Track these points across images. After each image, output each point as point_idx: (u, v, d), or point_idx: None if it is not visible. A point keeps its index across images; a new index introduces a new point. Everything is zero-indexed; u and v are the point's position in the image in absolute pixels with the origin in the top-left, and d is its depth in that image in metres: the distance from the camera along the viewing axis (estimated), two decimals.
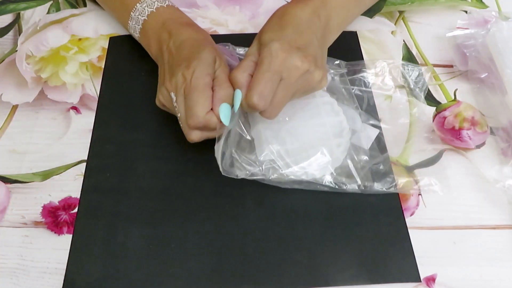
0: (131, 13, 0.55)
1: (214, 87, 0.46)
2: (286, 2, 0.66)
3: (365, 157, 0.50)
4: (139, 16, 0.54)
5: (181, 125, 0.47)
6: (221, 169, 0.47)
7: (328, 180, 0.48)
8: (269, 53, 0.43)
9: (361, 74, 0.56)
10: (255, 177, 0.47)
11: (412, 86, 0.56)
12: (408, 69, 0.57)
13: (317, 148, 0.48)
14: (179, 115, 0.47)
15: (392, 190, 0.49)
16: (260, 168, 0.47)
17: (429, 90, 0.58)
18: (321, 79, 0.46)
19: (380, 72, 0.57)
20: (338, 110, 0.51)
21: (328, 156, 0.48)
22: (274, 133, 0.49)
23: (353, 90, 0.55)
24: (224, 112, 0.45)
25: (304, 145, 0.49)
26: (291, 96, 0.45)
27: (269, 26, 0.48)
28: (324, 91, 0.53)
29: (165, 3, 0.55)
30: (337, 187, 0.48)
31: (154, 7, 0.54)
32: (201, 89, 0.45)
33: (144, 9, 0.54)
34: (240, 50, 0.56)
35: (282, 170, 0.47)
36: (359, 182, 0.48)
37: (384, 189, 0.49)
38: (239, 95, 0.44)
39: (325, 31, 0.51)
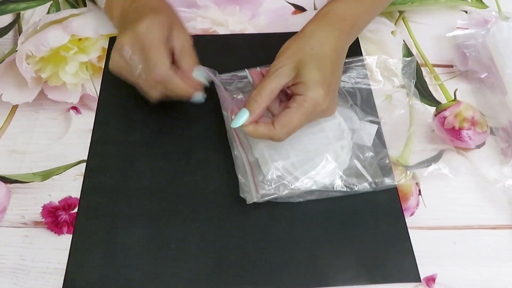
0: None
1: (179, 56, 0.47)
2: (286, 2, 0.67)
3: (371, 153, 0.50)
4: None
5: (139, 83, 0.48)
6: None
7: (338, 184, 0.48)
8: (314, 101, 0.44)
9: (350, 71, 0.56)
10: (266, 198, 0.47)
11: (401, 77, 0.56)
12: (396, 61, 0.57)
13: (322, 155, 0.48)
14: (137, 71, 0.47)
15: (402, 181, 0.49)
16: (270, 187, 0.47)
17: (429, 90, 0.59)
18: (334, 111, 0.48)
19: (369, 67, 0.57)
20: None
21: (334, 161, 0.48)
22: (276, 149, 0.48)
23: (343, 88, 0.54)
24: (200, 75, 0.47)
25: (308, 155, 0.48)
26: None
27: (308, 57, 0.45)
28: None
29: None
30: (348, 189, 0.48)
31: None
32: (157, 45, 0.45)
33: None
34: (223, 76, 0.55)
35: (292, 185, 0.47)
36: (370, 179, 0.48)
37: (395, 182, 0.49)
38: (245, 115, 0.44)
39: (346, 53, 0.51)
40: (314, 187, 0.47)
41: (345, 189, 0.48)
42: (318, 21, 0.49)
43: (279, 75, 0.45)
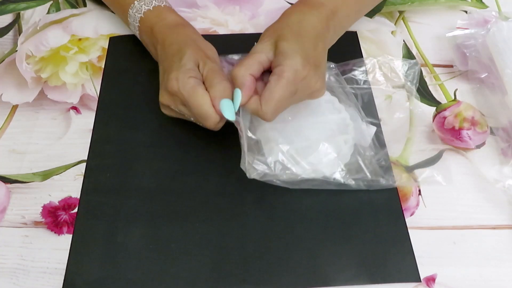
0: (129, 10, 0.56)
1: (207, 89, 0.46)
2: (286, 3, 0.67)
3: (372, 153, 0.50)
4: (133, 22, 0.55)
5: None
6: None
7: (337, 177, 0.48)
8: (293, 69, 0.43)
9: (352, 73, 0.56)
10: (266, 178, 0.47)
11: (403, 80, 0.56)
12: (399, 63, 0.57)
13: (325, 146, 0.48)
14: (192, 118, 0.49)
15: (401, 183, 0.50)
16: (272, 168, 0.47)
17: (429, 90, 0.59)
18: (323, 90, 0.47)
19: (371, 69, 0.57)
20: (340, 107, 0.51)
21: (336, 153, 0.48)
22: (281, 133, 0.48)
23: (345, 89, 0.54)
24: (226, 108, 0.45)
25: (312, 144, 0.48)
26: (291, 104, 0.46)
27: (287, 32, 0.46)
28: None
29: (151, 5, 0.54)
30: (346, 183, 0.48)
31: (142, 11, 0.54)
32: (192, 92, 0.45)
33: (135, 14, 0.55)
34: (234, 57, 0.55)
35: (294, 169, 0.47)
36: (369, 177, 0.48)
37: (394, 183, 0.49)
38: (238, 95, 0.44)
39: (331, 41, 0.52)
40: (313, 175, 0.48)
41: (342, 181, 0.48)
42: (297, 5, 0.51)
43: (259, 50, 0.46)
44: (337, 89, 0.54)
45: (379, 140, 0.52)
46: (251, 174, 0.46)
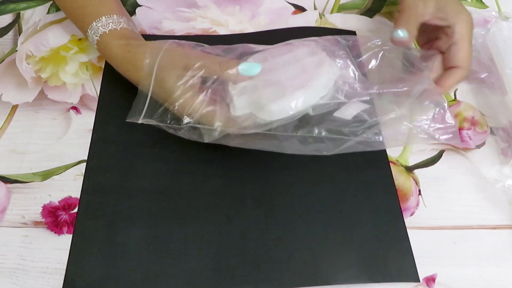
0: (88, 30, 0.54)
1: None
2: (286, 3, 0.67)
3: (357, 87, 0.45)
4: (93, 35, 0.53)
5: None
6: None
7: (309, 113, 0.44)
8: (468, 28, 0.51)
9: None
10: (224, 133, 0.43)
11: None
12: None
13: (295, 80, 0.44)
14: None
15: (379, 138, 0.45)
16: (235, 119, 0.42)
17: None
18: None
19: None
20: (317, 51, 0.47)
21: (305, 83, 0.43)
22: (249, 91, 0.44)
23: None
24: (244, 68, 0.44)
25: (280, 83, 0.44)
26: None
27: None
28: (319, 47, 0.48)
29: (107, 27, 0.52)
30: (317, 132, 0.44)
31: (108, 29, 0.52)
32: (194, 107, 0.44)
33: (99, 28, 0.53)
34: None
35: (261, 117, 0.42)
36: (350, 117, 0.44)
37: (372, 137, 0.44)
38: (403, 33, 0.48)
39: None
40: (284, 115, 0.43)
41: (315, 130, 0.44)
42: None
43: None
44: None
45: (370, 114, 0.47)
46: (207, 137, 0.43)
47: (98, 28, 0.52)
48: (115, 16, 0.53)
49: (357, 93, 0.46)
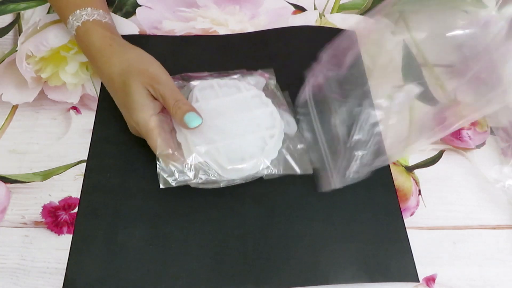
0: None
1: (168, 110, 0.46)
2: (286, 2, 0.67)
3: (302, 145, 0.49)
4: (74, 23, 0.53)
5: None
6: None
7: (263, 174, 0.47)
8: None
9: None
10: (182, 183, 0.45)
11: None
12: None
13: (250, 142, 0.47)
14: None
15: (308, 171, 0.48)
16: (187, 174, 0.45)
17: (429, 90, 0.58)
18: None
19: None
20: (267, 101, 0.50)
21: (261, 149, 0.46)
22: (201, 133, 0.46)
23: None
24: (187, 119, 0.45)
25: (235, 141, 0.46)
26: None
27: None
28: (250, 84, 0.52)
29: (80, 20, 0.52)
30: (271, 173, 0.47)
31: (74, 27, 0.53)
32: (151, 135, 0.46)
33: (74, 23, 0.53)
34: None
35: (215, 174, 0.45)
36: (299, 171, 0.48)
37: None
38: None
39: None
40: (235, 176, 0.46)
41: (269, 174, 0.47)
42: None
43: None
44: (275, 94, 0.53)
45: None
46: (162, 183, 0.45)
47: (82, 16, 0.52)
48: (101, 10, 0.53)
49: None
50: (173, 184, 0.45)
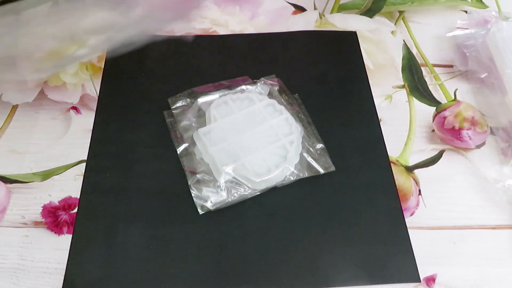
0: None
1: None
2: (286, 2, 0.67)
3: (321, 145, 0.51)
4: None
5: None
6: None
7: (290, 179, 0.48)
8: None
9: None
10: (219, 205, 0.47)
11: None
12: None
13: (272, 152, 0.49)
14: None
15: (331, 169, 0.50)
16: (223, 192, 0.47)
17: (429, 90, 0.59)
18: None
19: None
20: (281, 108, 0.52)
21: (284, 157, 0.48)
22: (226, 152, 0.48)
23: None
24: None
25: (258, 154, 0.48)
26: None
27: None
28: (262, 94, 0.53)
29: None
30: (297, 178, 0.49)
31: None
32: None
33: None
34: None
35: (246, 189, 0.47)
36: (322, 171, 0.49)
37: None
38: None
39: None
40: (265, 187, 0.48)
41: (295, 179, 0.49)
42: None
43: None
44: (279, 99, 0.54)
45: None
46: (200, 209, 0.47)
47: None
48: None
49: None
50: (211, 208, 0.47)
